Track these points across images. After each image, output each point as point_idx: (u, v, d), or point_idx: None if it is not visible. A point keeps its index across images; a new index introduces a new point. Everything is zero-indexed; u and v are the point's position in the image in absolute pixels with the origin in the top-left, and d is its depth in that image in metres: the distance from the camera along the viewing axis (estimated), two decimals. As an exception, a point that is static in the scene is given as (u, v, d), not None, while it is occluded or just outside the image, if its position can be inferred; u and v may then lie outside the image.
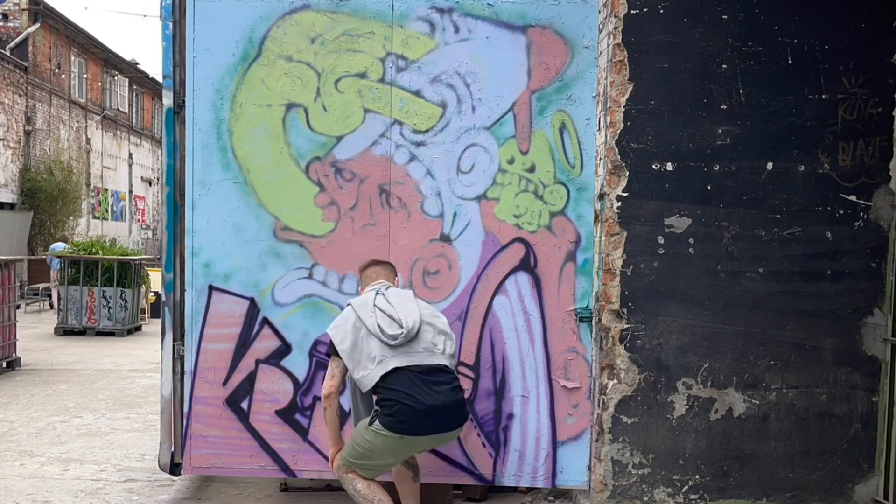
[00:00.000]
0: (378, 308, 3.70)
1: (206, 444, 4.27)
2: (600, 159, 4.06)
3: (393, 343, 3.62)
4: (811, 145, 3.93)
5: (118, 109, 25.83)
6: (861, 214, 3.96)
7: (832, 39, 3.91)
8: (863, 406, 4.01)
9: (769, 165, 3.94)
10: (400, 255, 4.20)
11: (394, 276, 4.00)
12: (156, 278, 12.38)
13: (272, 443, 4.24)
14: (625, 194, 3.94)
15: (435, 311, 3.86)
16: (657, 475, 3.99)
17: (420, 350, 3.66)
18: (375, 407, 3.64)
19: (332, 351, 3.72)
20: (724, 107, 3.92)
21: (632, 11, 3.89)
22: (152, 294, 12.82)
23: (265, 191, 4.20)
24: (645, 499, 4.00)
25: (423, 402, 3.54)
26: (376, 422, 3.58)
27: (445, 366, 3.69)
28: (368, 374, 3.62)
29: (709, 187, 3.94)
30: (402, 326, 3.64)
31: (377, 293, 3.79)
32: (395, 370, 3.60)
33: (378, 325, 3.65)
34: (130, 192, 27.35)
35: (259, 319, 4.21)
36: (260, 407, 4.22)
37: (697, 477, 4.00)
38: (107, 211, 24.69)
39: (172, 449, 4.32)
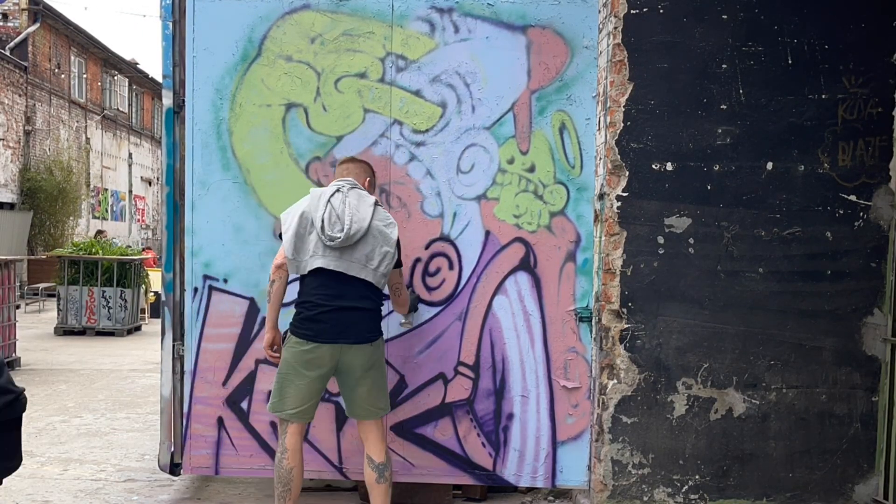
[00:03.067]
0: (330, 204, 3.64)
1: (205, 444, 4.27)
2: (600, 159, 4.06)
3: (329, 244, 3.59)
4: (811, 145, 3.93)
5: (118, 109, 25.83)
6: (861, 214, 3.96)
7: (832, 39, 3.91)
8: (863, 406, 4.01)
9: (769, 165, 3.94)
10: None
11: (365, 178, 3.86)
12: (156, 278, 12.37)
13: (272, 443, 4.24)
14: (625, 194, 3.94)
15: (390, 226, 3.72)
16: (657, 475, 3.99)
17: (352, 260, 3.61)
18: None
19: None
20: (724, 107, 3.92)
21: (632, 11, 3.89)
22: (152, 294, 12.81)
23: (265, 191, 4.20)
24: (645, 499, 4.00)
25: (326, 308, 3.58)
26: (288, 334, 3.67)
27: (369, 282, 3.65)
28: (301, 263, 3.64)
29: (709, 187, 3.94)
30: (343, 228, 3.58)
31: (338, 189, 3.69)
32: (320, 270, 3.60)
33: (322, 220, 3.60)
34: (130, 191, 27.35)
35: (259, 319, 4.21)
36: (260, 407, 4.22)
37: (697, 477, 4.00)
38: (107, 211, 24.70)
39: (172, 449, 4.32)
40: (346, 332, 3.62)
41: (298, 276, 3.69)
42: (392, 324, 4.21)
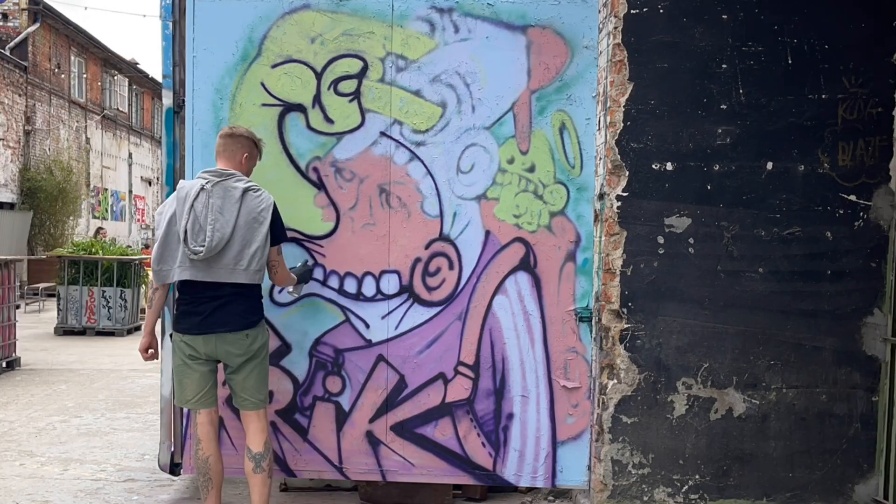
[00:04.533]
0: (194, 210, 3.57)
1: (205, 444, 4.27)
2: (600, 159, 4.06)
3: (193, 258, 3.58)
4: (811, 145, 3.93)
5: (118, 109, 25.84)
6: (861, 214, 3.96)
7: (832, 39, 3.91)
8: (863, 406, 4.01)
9: (769, 165, 3.94)
10: (400, 255, 4.20)
11: (241, 154, 3.75)
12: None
13: (272, 442, 4.23)
14: (625, 194, 3.94)
15: (263, 211, 3.64)
16: (657, 475, 3.99)
17: (220, 266, 3.60)
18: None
19: None
20: (724, 107, 3.92)
21: (632, 11, 3.89)
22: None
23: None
24: (645, 499, 4.00)
25: (198, 303, 3.64)
26: (171, 330, 3.78)
27: (240, 283, 3.64)
28: (167, 273, 3.65)
29: (709, 187, 3.94)
30: (205, 241, 3.54)
31: (202, 188, 3.60)
32: (187, 280, 3.64)
33: (185, 232, 3.57)
34: (130, 191, 27.36)
35: (259, 319, 4.20)
36: (260, 407, 4.22)
37: (697, 477, 4.00)
38: (106, 211, 24.70)
39: (172, 449, 4.32)
40: (219, 323, 3.65)
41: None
42: (392, 323, 4.21)
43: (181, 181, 3.78)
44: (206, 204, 3.58)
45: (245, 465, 3.78)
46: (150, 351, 3.86)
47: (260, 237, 3.63)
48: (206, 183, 3.63)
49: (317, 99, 4.19)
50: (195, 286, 3.65)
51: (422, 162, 4.19)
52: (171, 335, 3.82)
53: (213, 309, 3.64)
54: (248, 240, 3.61)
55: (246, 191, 3.64)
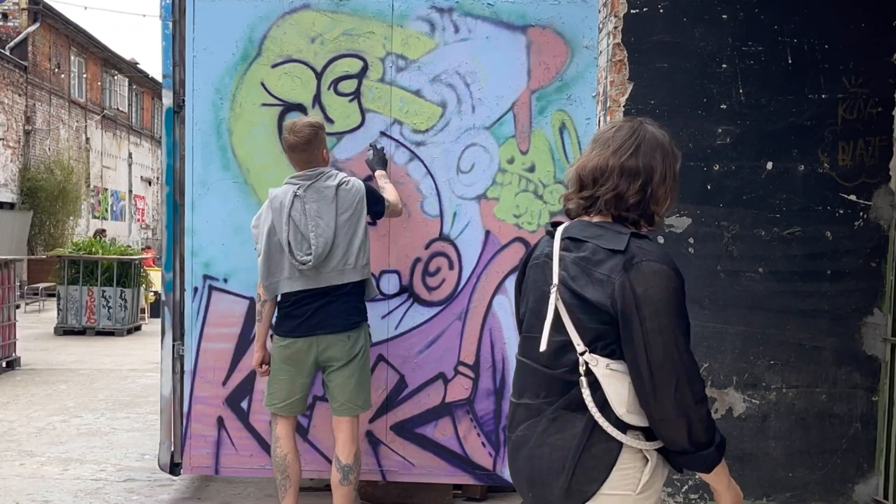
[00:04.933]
0: (292, 220, 3.54)
1: (205, 444, 4.27)
2: (600, 159, 4.05)
3: (302, 268, 3.55)
4: (811, 145, 3.93)
5: (118, 109, 25.83)
6: (861, 214, 3.96)
7: (832, 39, 3.90)
8: (863, 406, 4.01)
9: (769, 165, 3.94)
10: (400, 255, 4.20)
11: (320, 151, 3.67)
12: (155, 278, 12.37)
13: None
14: (625, 194, 3.93)
15: (355, 207, 3.60)
16: (657, 475, 3.99)
17: (328, 271, 3.57)
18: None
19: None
20: (724, 107, 3.92)
21: (632, 11, 3.89)
22: (152, 294, 12.81)
23: (265, 191, 4.17)
24: (645, 499, 3.99)
25: (301, 304, 3.61)
26: (272, 333, 3.73)
27: (350, 282, 3.62)
28: (275, 286, 3.63)
29: (709, 187, 3.94)
30: (311, 250, 3.52)
31: (295, 195, 3.56)
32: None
33: (289, 243, 3.54)
34: (130, 191, 27.35)
35: (259, 319, 4.20)
36: (260, 407, 4.21)
37: (697, 476, 4.00)
38: (106, 211, 24.70)
39: (172, 449, 4.32)
40: (322, 324, 3.60)
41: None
42: (392, 323, 4.21)
43: (270, 189, 3.71)
44: (303, 211, 3.54)
45: (332, 474, 3.69)
46: (264, 366, 3.80)
47: (361, 230, 3.61)
48: (298, 188, 3.58)
49: (317, 99, 4.19)
50: (299, 291, 3.61)
51: (422, 162, 4.19)
52: (271, 336, 3.76)
53: (315, 310, 3.59)
54: (350, 236, 3.58)
55: (338, 187, 3.60)
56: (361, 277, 3.64)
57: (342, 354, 3.62)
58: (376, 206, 3.74)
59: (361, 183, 3.69)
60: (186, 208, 4.23)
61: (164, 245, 4.30)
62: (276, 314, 3.73)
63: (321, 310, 3.60)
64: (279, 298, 3.71)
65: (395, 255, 4.20)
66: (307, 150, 3.63)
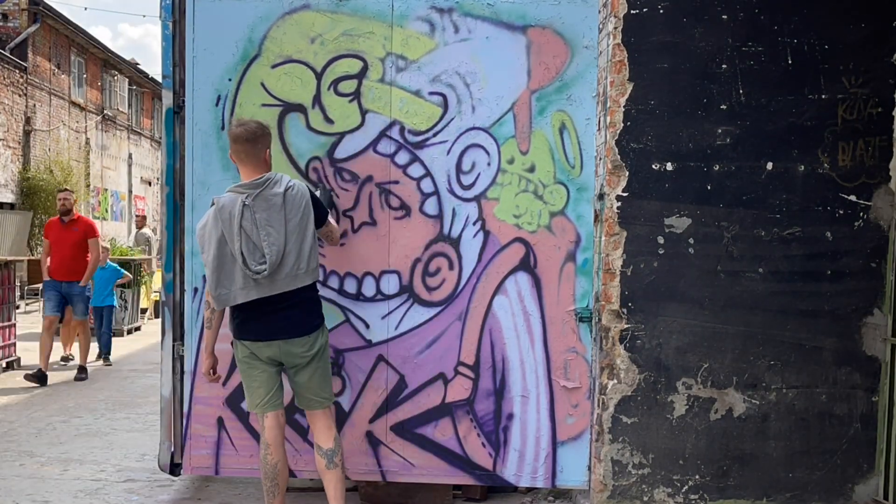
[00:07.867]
0: (244, 230, 3.56)
1: (205, 444, 4.27)
2: (600, 159, 4.06)
3: (256, 278, 3.58)
4: (811, 145, 3.93)
5: (118, 109, 25.82)
6: (861, 214, 3.96)
7: (832, 39, 3.91)
8: (863, 406, 4.01)
9: (769, 165, 3.94)
10: (400, 255, 4.20)
11: (264, 152, 3.68)
12: (155, 278, 12.36)
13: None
14: (625, 194, 3.94)
15: (299, 198, 3.62)
16: (657, 475, 3.99)
17: (282, 277, 3.60)
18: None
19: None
20: (724, 107, 3.92)
21: (632, 11, 3.89)
22: (154, 294, 12.79)
23: (265, 191, 4.20)
24: (645, 499, 3.99)
25: (259, 312, 3.64)
26: (234, 340, 3.78)
27: (303, 287, 3.66)
28: (227, 295, 3.63)
29: (709, 187, 3.94)
30: (265, 259, 3.54)
31: (244, 205, 3.56)
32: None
33: (242, 254, 3.56)
34: (130, 192, 27.34)
35: (259, 319, 4.20)
36: (260, 407, 4.22)
37: (697, 477, 4.00)
38: (106, 211, 24.69)
39: (172, 449, 4.32)
40: (284, 330, 3.67)
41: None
42: (392, 323, 4.21)
43: (215, 198, 3.71)
44: (253, 220, 3.57)
45: (317, 462, 3.80)
46: (213, 373, 3.90)
47: (310, 232, 3.66)
48: (246, 198, 3.59)
49: (317, 99, 4.19)
50: (257, 301, 3.64)
51: (422, 162, 4.19)
52: (231, 343, 3.83)
53: (274, 316, 3.65)
54: (301, 241, 3.63)
55: (285, 193, 3.62)
56: (313, 280, 3.71)
57: (304, 356, 3.72)
58: (317, 210, 3.75)
59: (305, 186, 3.73)
60: (186, 208, 4.23)
61: (164, 245, 4.30)
62: (233, 320, 3.76)
63: (279, 315, 3.66)
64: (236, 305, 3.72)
65: (394, 255, 4.20)
66: (252, 142, 3.64)
